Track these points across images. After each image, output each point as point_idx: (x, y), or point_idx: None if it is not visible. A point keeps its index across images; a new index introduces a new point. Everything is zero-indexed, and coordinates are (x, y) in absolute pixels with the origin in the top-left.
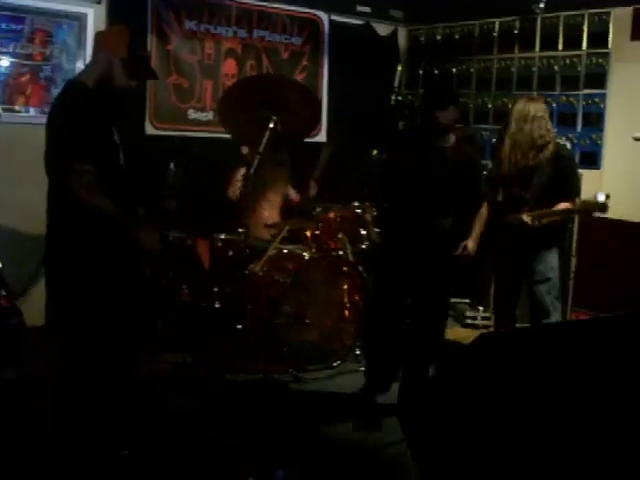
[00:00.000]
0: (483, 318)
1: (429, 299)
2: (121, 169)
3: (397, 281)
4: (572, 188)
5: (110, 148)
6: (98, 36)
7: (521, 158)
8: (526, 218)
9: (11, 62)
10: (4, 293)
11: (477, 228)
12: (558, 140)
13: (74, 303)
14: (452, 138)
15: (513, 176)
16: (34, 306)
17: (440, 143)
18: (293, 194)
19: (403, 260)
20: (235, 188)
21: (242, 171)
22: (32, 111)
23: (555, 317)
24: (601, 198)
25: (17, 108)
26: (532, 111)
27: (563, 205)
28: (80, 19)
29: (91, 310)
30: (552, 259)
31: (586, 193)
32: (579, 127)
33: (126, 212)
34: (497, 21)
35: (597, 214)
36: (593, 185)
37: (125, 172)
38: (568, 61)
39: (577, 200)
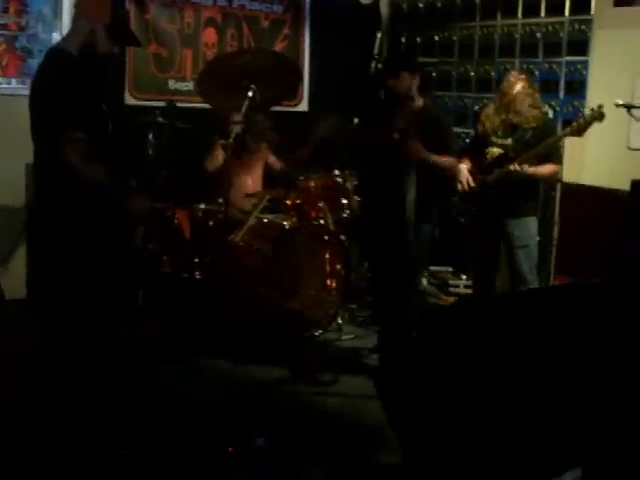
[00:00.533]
0: (466, 286)
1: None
2: (110, 138)
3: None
4: (556, 153)
5: (98, 117)
6: (79, 3)
7: (503, 117)
8: (512, 166)
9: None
10: None
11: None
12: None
13: (59, 273)
14: (416, 104)
15: (495, 133)
16: (15, 278)
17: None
18: (274, 161)
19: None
20: (214, 159)
21: (221, 141)
22: (10, 82)
23: (533, 285)
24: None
25: None
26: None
27: (547, 167)
28: None
29: (75, 280)
30: (531, 226)
31: (568, 160)
32: (561, 94)
33: (118, 181)
34: None
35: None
36: (576, 152)
37: (114, 141)
38: (550, 28)
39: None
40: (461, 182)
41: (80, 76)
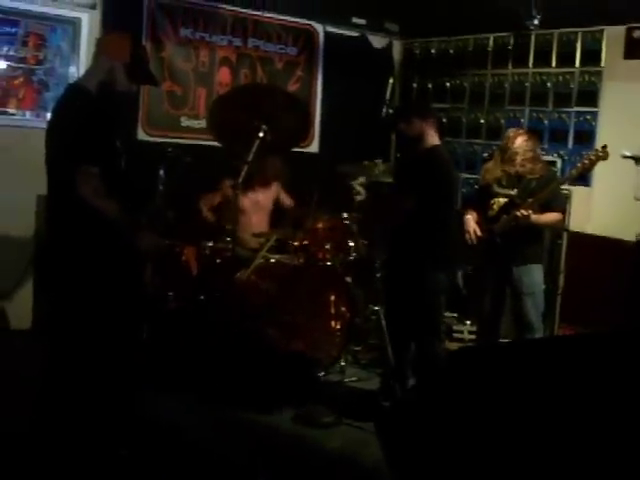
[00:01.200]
0: (470, 332)
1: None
2: (122, 174)
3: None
4: (560, 201)
5: (112, 152)
6: (100, 41)
7: (506, 169)
8: (519, 212)
9: (5, 65)
10: None
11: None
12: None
13: (65, 304)
14: (423, 146)
15: (499, 184)
16: (21, 309)
17: (410, 154)
18: (286, 199)
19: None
20: (210, 201)
21: (227, 183)
22: (25, 114)
23: (538, 333)
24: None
25: (10, 111)
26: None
27: (552, 214)
28: (74, 24)
29: (81, 312)
30: (537, 273)
31: (576, 210)
32: (570, 144)
33: (128, 216)
34: (491, 36)
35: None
36: (582, 202)
37: (126, 177)
38: (561, 78)
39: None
40: (468, 232)
41: (97, 113)
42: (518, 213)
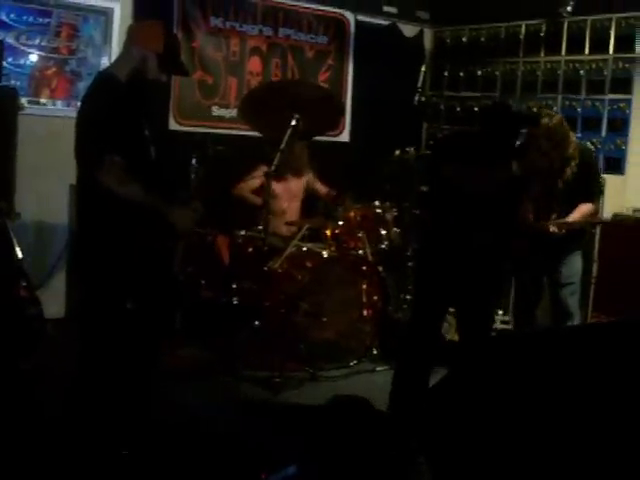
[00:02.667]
0: (502, 322)
1: (475, 314)
2: (152, 163)
3: (443, 293)
4: (594, 190)
5: (140, 142)
6: (133, 29)
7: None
8: (552, 228)
9: (38, 55)
10: (24, 284)
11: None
12: (581, 144)
13: (99, 293)
14: None
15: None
16: (54, 298)
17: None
18: (321, 187)
19: (448, 274)
20: (249, 186)
21: (263, 168)
22: (57, 104)
23: (577, 321)
24: None
25: (42, 101)
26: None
27: (585, 208)
28: (106, 14)
29: (115, 301)
30: (577, 263)
31: (610, 198)
32: (604, 132)
33: (157, 197)
34: (523, 24)
35: None
36: (617, 190)
37: (156, 166)
38: (594, 65)
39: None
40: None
41: (126, 101)
42: (550, 229)
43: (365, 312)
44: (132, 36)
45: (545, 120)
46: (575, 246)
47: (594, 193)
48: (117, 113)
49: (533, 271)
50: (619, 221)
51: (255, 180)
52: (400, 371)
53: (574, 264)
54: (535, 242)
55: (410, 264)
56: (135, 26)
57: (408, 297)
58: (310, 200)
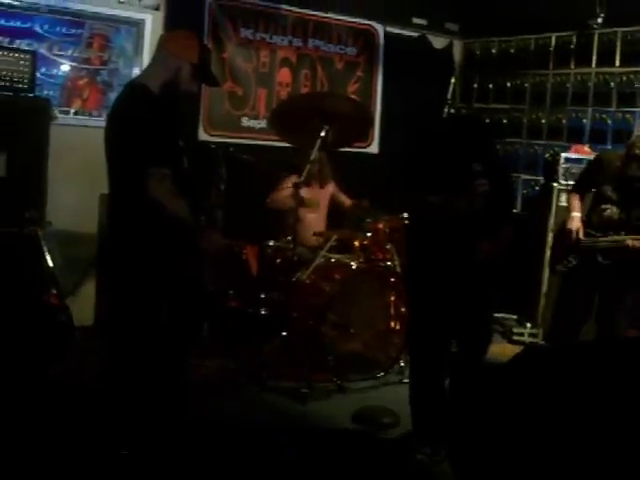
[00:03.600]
0: (530, 335)
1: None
2: (185, 173)
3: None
4: None
5: (175, 152)
6: (166, 39)
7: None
8: (631, 242)
9: (70, 66)
10: (54, 292)
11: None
12: None
13: (128, 302)
14: None
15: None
16: (84, 306)
17: None
18: (345, 199)
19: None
20: (282, 196)
21: (292, 178)
22: (89, 114)
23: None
24: None
25: (74, 111)
26: None
27: None
28: (138, 25)
29: (144, 310)
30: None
31: None
32: None
33: (196, 217)
34: (553, 36)
35: None
36: None
37: (189, 177)
38: (625, 77)
39: None
40: (570, 231)
41: (163, 113)
42: (630, 243)
43: (392, 324)
44: (166, 46)
45: None
46: (632, 273)
47: None
48: (157, 125)
49: (585, 290)
50: None
51: (286, 190)
52: (414, 380)
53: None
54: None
55: None
56: (169, 35)
57: None
58: (334, 211)
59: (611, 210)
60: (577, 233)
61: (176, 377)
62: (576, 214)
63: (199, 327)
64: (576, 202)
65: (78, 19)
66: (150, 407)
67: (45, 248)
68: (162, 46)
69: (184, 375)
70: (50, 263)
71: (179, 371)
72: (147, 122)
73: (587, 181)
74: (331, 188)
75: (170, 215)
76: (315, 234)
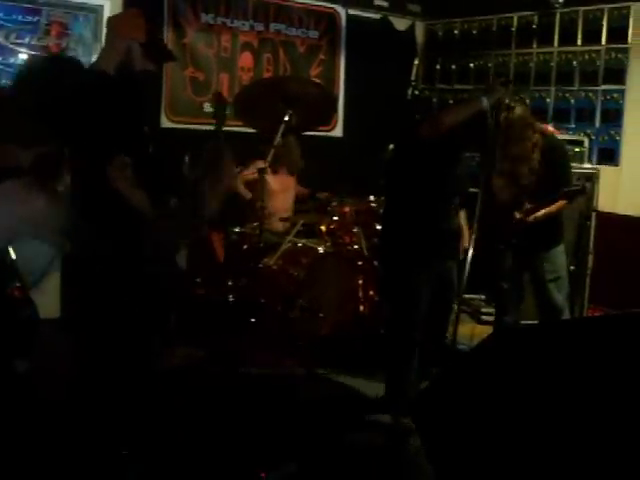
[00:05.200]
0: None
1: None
2: (150, 159)
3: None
4: (564, 179)
5: (140, 139)
6: (113, 21)
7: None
8: (518, 215)
9: (28, 54)
10: (18, 284)
11: None
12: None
13: (93, 292)
14: None
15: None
16: (49, 298)
17: None
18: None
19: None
20: (242, 179)
21: (257, 164)
22: None
23: (565, 315)
24: None
25: None
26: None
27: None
28: (96, 11)
29: (109, 301)
30: (560, 256)
31: (604, 189)
32: (597, 123)
33: (164, 203)
34: (515, 16)
35: None
36: (611, 181)
37: (155, 163)
38: (587, 56)
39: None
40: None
41: (121, 98)
42: (517, 217)
43: (361, 307)
44: (114, 27)
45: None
46: (554, 240)
47: (565, 181)
48: (115, 111)
49: (512, 268)
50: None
51: (248, 175)
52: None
53: (557, 258)
54: (511, 237)
55: None
56: (114, 17)
57: None
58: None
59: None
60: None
61: (143, 365)
62: None
63: (166, 316)
64: None
65: (35, 6)
66: (121, 396)
67: None
68: (111, 27)
69: (152, 364)
70: (13, 256)
71: (146, 359)
72: (104, 108)
73: None
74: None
75: (130, 205)
76: (281, 219)
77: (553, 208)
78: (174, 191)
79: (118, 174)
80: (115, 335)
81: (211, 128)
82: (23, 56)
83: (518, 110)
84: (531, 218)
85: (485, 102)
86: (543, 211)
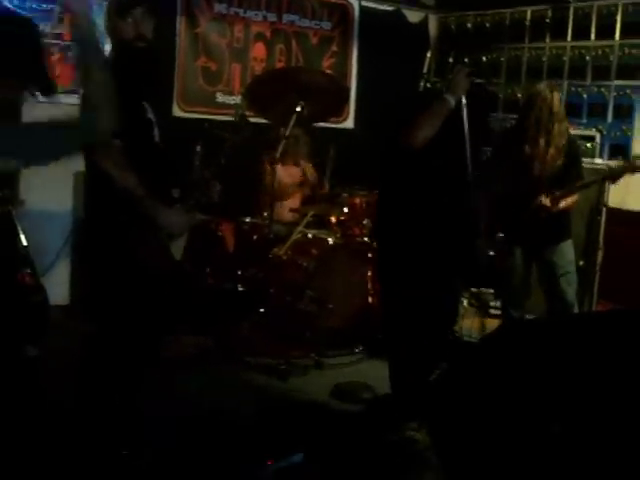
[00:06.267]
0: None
1: None
2: (155, 146)
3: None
4: (580, 173)
5: (143, 124)
6: None
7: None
8: (544, 200)
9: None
10: (29, 271)
11: None
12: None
13: (103, 280)
14: None
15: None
16: (59, 285)
17: None
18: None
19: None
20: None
21: (268, 155)
22: (61, 91)
23: (574, 310)
24: None
25: None
26: (560, 107)
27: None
28: None
29: (118, 288)
30: (570, 251)
31: (615, 186)
32: (609, 118)
33: (149, 194)
34: (529, 10)
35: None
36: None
37: (160, 150)
38: (600, 51)
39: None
40: None
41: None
42: (544, 202)
43: (370, 299)
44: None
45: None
46: (564, 234)
47: (581, 173)
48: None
49: (521, 260)
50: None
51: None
52: (395, 359)
53: (567, 253)
54: (523, 227)
55: None
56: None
57: None
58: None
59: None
60: None
61: (153, 354)
62: None
63: (176, 305)
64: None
65: None
66: (129, 386)
67: (19, 227)
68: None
69: (159, 352)
70: (24, 242)
71: (155, 348)
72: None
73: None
74: (308, 165)
75: (119, 188)
76: (291, 210)
77: (575, 198)
78: (178, 181)
79: (104, 156)
80: (125, 321)
81: (223, 118)
82: None
83: (557, 95)
84: (562, 204)
85: (452, 101)
86: (570, 199)
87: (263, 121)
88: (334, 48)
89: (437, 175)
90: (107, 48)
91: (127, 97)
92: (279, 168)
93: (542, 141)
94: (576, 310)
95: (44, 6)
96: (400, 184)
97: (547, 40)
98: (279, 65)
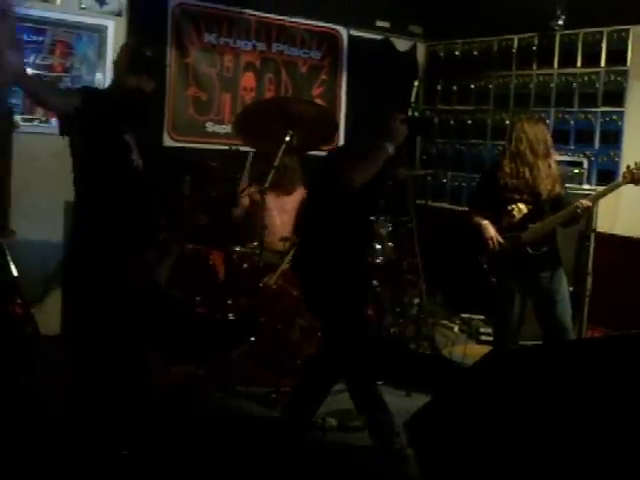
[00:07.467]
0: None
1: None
2: (133, 169)
3: None
4: (567, 200)
5: (118, 147)
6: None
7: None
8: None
9: (32, 73)
10: (19, 301)
11: None
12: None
13: (92, 309)
14: None
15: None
16: (50, 315)
17: None
18: None
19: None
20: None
21: (255, 187)
22: (52, 121)
23: (571, 336)
24: None
25: (37, 119)
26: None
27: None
28: (100, 31)
29: (107, 319)
30: (563, 278)
31: (603, 211)
32: (597, 144)
33: (155, 218)
34: (516, 37)
35: None
36: (610, 203)
37: (138, 173)
38: (586, 78)
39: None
40: (491, 239)
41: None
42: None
43: None
44: None
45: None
46: (559, 261)
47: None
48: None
49: (515, 288)
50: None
51: (245, 198)
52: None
53: (563, 280)
54: (514, 258)
55: (409, 277)
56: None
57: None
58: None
59: (518, 207)
60: (497, 239)
61: (140, 381)
62: (486, 222)
63: (167, 334)
64: (478, 216)
65: (40, 26)
66: (119, 410)
67: (9, 257)
68: None
69: (148, 379)
70: (15, 273)
71: (142, 371)
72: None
73: (484, 194)
74: (300, 195)
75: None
76: (282, 239)
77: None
78: (166, 209)
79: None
80: (116, 350)
81: (212, 147)
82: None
83: (542, 127)
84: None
85: (390, 148)
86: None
87: (252, 150)
88: (323, 77)
89: (360, 205)
90: (98, 77)
91: (102, 121)
92: (269, 197)
93: (525, 172)
94: (573, 337)
95: (34, 38)
96: (327, 218)
97: (534, 67)
98: (269, 94)
